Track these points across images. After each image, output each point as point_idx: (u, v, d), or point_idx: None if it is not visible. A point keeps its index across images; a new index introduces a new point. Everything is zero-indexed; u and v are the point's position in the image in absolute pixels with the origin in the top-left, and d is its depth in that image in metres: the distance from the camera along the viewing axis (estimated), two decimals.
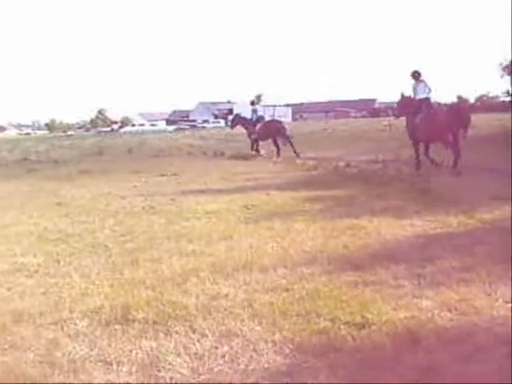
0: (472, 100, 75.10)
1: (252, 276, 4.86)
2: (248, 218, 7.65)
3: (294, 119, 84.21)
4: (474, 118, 12.45)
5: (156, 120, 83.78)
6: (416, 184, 9.76)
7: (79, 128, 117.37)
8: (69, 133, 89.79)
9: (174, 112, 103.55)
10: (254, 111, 20.45)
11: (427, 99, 12.14)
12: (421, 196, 8.56)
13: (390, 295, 4.21)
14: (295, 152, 17.57)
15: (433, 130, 11.50)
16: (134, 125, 78.53)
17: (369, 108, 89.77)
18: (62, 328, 3.93)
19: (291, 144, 18.18)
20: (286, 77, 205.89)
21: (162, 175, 13.78)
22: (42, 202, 9.98)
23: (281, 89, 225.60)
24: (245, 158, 18.35)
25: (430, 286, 4.37)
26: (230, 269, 5.08)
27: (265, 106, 60.27)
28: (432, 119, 11.63)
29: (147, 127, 73.11)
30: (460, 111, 11.66)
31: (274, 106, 75.10)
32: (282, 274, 4.90)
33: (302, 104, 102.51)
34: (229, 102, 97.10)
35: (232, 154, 19.71)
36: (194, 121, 79.10)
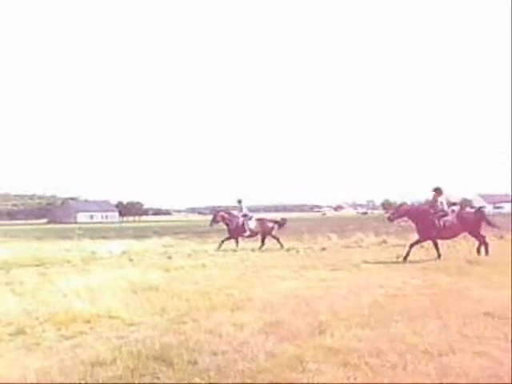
0: None
1: None
2: None
3: None
4: None
5: (499, 202, 76.24)
6: None
7: None
8: None
9: None
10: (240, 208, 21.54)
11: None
12: None
13: None
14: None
15: (466, 229, 15.21)
16: (473, 207, 73.27)
17: None
18: None
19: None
20: None
21: None
22: (464, 308, 7.11)
23: None
24: None
25: None
26: None
27: None
28: (465, 221, 15.07)
29: (489, 209, 67.13)
30: (483, 213, 15.98)
31: None
32: None
33: None
34: None
35: None
36: None
